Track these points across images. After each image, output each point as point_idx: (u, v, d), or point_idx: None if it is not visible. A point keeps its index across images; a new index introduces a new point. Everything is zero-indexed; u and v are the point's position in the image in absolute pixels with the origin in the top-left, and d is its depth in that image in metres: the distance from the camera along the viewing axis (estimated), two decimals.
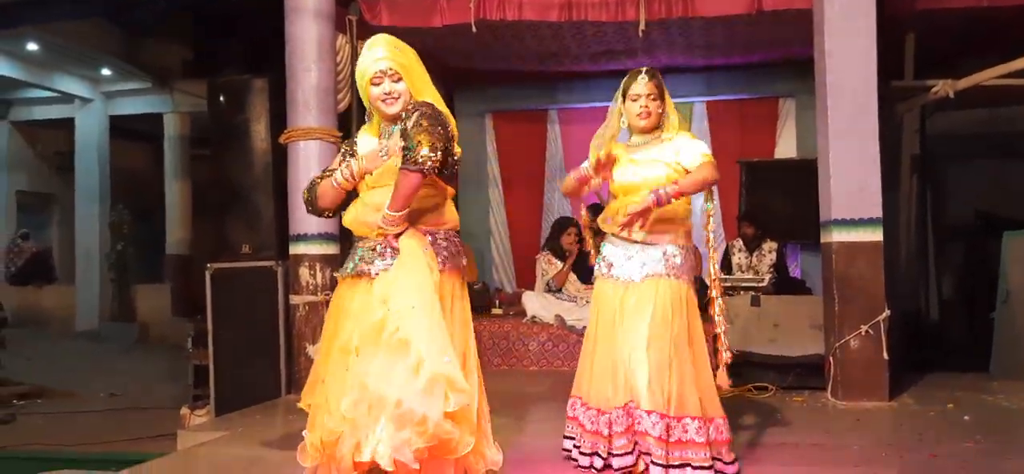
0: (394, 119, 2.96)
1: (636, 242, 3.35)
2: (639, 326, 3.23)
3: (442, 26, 6.41)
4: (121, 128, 13.44)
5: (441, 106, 2.97)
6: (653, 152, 3.41)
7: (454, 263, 2.97)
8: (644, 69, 3.45)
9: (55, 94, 12.58)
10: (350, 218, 3.04)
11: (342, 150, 3.16)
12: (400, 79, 2.93)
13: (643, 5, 6.15)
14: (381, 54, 2.93)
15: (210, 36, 10.75)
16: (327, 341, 2.99)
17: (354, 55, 6.37)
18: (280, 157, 5.91)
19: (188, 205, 12.84)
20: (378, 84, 2.93)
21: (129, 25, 11.24)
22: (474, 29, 6.32)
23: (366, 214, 2.96)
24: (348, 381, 2.74)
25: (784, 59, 7.71)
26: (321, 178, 3.12)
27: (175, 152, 12.86)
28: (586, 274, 6.94)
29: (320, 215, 3.16)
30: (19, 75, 11.61)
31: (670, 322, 3.23)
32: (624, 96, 3.46)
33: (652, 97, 3.39)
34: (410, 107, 2.92)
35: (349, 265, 3.00)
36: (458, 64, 7.93)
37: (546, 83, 8.75)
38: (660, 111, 3.43)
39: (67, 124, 13.06)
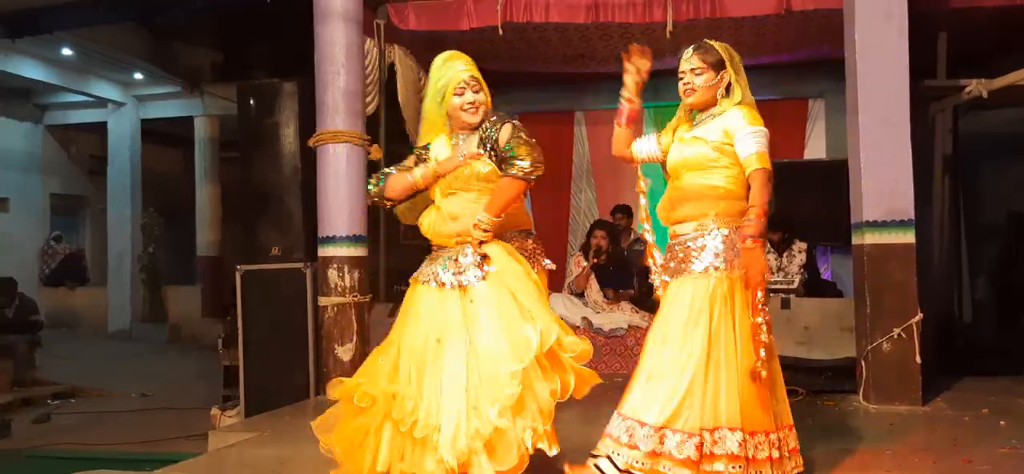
0: (473, 128, 3.19)
1: (673, 238, 3.18)
2: (660, 335, 3.06)
3: (469, 29, 6.43)
4: (152, 131, 13.63)
5: None
6: (699, 129, 3.16)
7: (534, 261, 3.22)
8: (696, 44, 3.19)
9: (88, 98, 12.77)
10: (427, 226, 3.23)
11: (416, 152, 3.33)
12: (480, 90, 3.18)
13: (671, 6, 6.14)
14: (463, 67, 3.17)
15: (240, 40, 10.85)
16: (399, 339, 3.14)
17: (382, 59, 6.42)
18: (309, 160, 5.95)
19: (218, 207, 12.96)
20: (461, 94, 3.15)
21: (160, 30, 11.38)
22: (501, 32, 6.33)
23: (442, 224, 3.17)
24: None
25: (813, 59, 7.64)
26: (390, 171, 3.32)
27: (205, 155, 12.99)
28: (609, 282, 6.89)
29: (383, 204, 3.33)
30: (53, 79, 11.81)
31: (682, 328, 2.98)
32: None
33: (697, 72, 3.13)
34: (492, 117, 3.18)
35: (428, 271, 3.18)
36: (484, 66, 7.76)
37: (572, 85, 8.74)
38: (712, 85, 3.13)
39: (100, 128, 13.26)
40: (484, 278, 3.04)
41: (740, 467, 2.88)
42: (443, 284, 3.11)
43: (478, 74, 3.21)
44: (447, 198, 3.17)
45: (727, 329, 2.98)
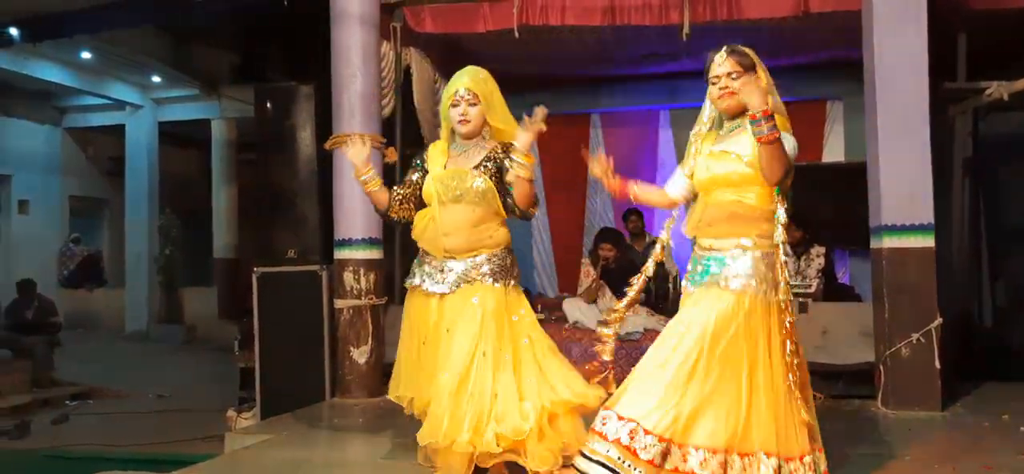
0: (467, 136, 3.41)
1: (704, 250, 3.08)
2: (671, 342, 2.98)
3: (485, 32, 6.42)
4: (170, 134, 13.73)
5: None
6: (729, 142, 3.06)
7: (511, 276, 3.43)
8: (725, 47, 3.07)
9: (107, 101, 12.88)
10: (420, 233, 3.44)
11: (414, 162, 3.60)
12: (476, 104, 3.36)
13: (687, 8, 6.10)
14: (464, 81, 3.37)
15: (257, 43, 10.90)
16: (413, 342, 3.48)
17: (398, 62, 6.43)
18: (325, 163, 5.97)
19: (235, 210, 13.02)
20: (457, 105, 3.36)
21: (178, 32, 11.46)
22: (517, 35, 6.32)
23: (435, 238, 3.37)
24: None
25: (831, 61, 7.59)
26: (397, 191, 3.58)
27: (222, 157, 13.06)
28: (619, 289, 6.84)
29: (387, 219, 3.62)
30: (73, 82, 11.92)
31: (696, 341, 2.90)
32: (707, 79, 3.12)
33: (734, 76, 3.01)
34: (504, 147, 3.36)
35: (416, 277, 3.45)
36: (499, 69, 7.84)
37: (588, 87, 8.73)
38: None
39: (118, 130, 13.37)
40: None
41: None
42: (437, 293, 3.37)
43: (483, 90, 3.37)
44: (444, 207, 3.34)
45: (763, 350, 2.92)
